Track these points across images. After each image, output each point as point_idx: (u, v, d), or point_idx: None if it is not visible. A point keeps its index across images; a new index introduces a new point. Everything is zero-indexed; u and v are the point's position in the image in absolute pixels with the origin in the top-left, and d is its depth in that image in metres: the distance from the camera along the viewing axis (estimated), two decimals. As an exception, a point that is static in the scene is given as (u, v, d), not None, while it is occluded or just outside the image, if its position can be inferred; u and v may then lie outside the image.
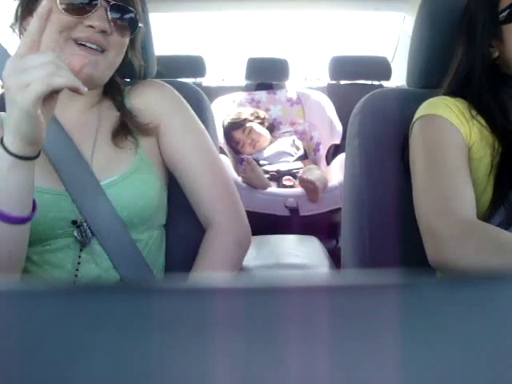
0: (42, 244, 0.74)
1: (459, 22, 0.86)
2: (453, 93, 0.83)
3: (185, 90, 0.91)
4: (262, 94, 2.61)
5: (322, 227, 1.90)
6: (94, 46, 0.72)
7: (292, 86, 2.71)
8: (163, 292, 0.18)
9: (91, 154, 0.77)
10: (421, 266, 0.88)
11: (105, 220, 0.74)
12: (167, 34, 2.90)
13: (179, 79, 1.11)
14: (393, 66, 2.74)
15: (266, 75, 2.71)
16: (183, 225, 0.88)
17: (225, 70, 3.23)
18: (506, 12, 0.78)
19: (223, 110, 2.41)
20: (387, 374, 0.15)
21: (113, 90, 0.83)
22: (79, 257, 0.75)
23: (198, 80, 2.79)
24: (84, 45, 0.72)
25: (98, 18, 0.71)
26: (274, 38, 3.52)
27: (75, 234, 0.74)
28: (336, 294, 0.18)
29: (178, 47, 3.06)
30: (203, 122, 0.89)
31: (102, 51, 0.73)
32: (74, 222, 0.74)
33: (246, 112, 2.39)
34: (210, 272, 0.77)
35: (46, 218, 0.72)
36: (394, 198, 0.88)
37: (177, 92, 0.86)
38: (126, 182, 0.76)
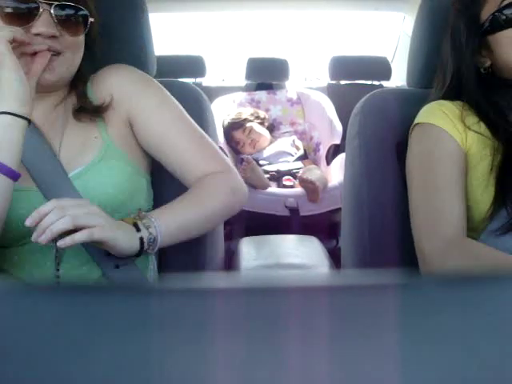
0: (21, 243, 0.74)
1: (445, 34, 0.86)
2: (449, 97, 0.83)
3: (185, 90, 0.91)
4: (262, 94, 2.61)
5: (322, 227, 1.90)
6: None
7: (292, 86, 2.71)
8: (163, 292, 0.18)
9: (59, 148, 0.76)
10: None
11: None
12: (167, 34, 2.91)
13: (179, 79, 1.11)
14: (393, 66, 2.74)
15: (266, 75, 2.71)
16: None
17: (225, 70, 3.23)
18: (488, 23, 0.79)
19: (223, 110, 2.41)
20: (387, 374, 0.15)
21: (78, 84, 0.82)
22: (56, 253, 0.74)
23: (198, 80, 2.79)
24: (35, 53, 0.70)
25: (43, 24, 0.69)
26: (274, 38, 3.52)
27: None
28: (336, 294, 0.18)
29: (178, 47, 3.06)
30: (203, 122, 0.88)
31: (57, 54, 0.72)
32: None
33: (246, 112, 2.39)
34: (199, 199, 0.76)
35: (18, 214, 0.71)
36: (393, 197, 0.88)
37: (142, 73, 0.84)
38: (93, 171, 0.75)
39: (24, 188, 0.73)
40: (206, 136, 0.83)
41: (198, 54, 2.79)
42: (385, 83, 2.75)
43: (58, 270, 0.74)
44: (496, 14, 0.78)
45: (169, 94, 0.84)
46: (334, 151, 2.37)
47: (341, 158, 2.14)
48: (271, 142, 2.37)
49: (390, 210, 0.88)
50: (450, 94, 0.84)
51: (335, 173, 2.13)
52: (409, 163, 0.82)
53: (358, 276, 0.18)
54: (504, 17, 0.78)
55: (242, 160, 2.08)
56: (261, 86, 2.71)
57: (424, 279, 0.19)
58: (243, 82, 2.81)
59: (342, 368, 0.15)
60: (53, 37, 0.70)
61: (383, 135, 0.90)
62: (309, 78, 3.16)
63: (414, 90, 0.96)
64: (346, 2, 2.50)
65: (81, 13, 0.74)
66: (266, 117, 2.46)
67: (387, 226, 0.89)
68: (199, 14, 2.75)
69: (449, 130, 0.79)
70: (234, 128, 2.34)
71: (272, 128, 2.49)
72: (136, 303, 0.17)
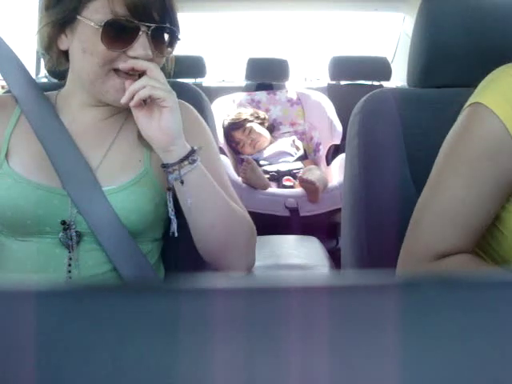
0: (28, 239, 0.74)
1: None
2: None
3: (185, 91, 0.91)
4: (261, 95, 2.61)
5: (322, 227, 1.90)
6: (135, 74, 0.70)
7: (292, 87, 2.71)
8: (163, 292, 0.18)
9: (102, 159, 0.77)
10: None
11: (103, 220, 0.73)
12: (167, 34, 2.90)
13: (179, 79, 1.11)
14: (393, 66, 2.75)
15: (266, 75, 2.71)
16: (183, 239, 0.87)
17: (225, 70, 3.23)
18: None
19: (223, 111, 2.41)
20: (387, 374, 0.15)
21: None
22: (69, 263, 0.73)
23: (198, 80, 2.79)
24: (124, 75, 0.70)
25: (141, 47, 0.68)
26: (274, 38, 3.52)
27: (60, 234, 0.73)
28: (336, 295, 0.18)
29: (178, 47, 3.06)
30: None
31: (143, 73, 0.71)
32: (63, 223, 0.73)
33: (246, 112, 2.39)
34: (226, 201, 0.76)
35: (36, 213, 0.71)
36: (393, 198, 0.88)
37: (198, 114, 0.85)
38: (124, 192, 0.75)
39: (47, 188, 0.73)
40: (234, 191, 0.85)
41: (198, 55, 2.79)
42: (385, 83, 2.75)
43: (69, 271, 0.74)
44: None
45: (211, 135, 0.86)
46: (334, 151, 2.37)
47: (341, 159, 2.14)
48: (271, 143, 2.37)
49: (389, 211, 0.88)
50: None
51: (335, 173, 2.13)
52: (443, 145, 0.67)
53: (357, 276, 0.18)
54: None
55: (242, 160, 2.08)
56: (261, 87, 2.71)
57: (424, 279, 0.19)
58: (243, 83, 2.81)
59: (342, 368, 0.15)
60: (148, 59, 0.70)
61: (383, 135, 0.90)
62: (309, 78, 3.16)
63: (414, 90, 0.96)
64: (346, 3, 2.50)
65: (173, 32, 0.74)
66: (266, 117, 2.46)
67: (387, 227, 0.89)
68: (199, 14, 2.75)
69: (507, 120, 0.60)
70: (234, 128, 2.34)
71: (272, 128, 2.49)
72: (136, 303, 0.17)
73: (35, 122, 0.76)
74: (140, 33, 0.68)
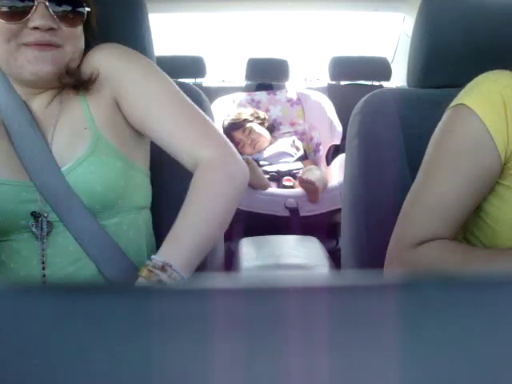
0: (6, 238, 0.73)
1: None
2: None
3: (185, 91, 0.91)
4: (261, 95, 2.61)
5: (322, 228, 1.90)
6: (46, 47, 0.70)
7: (292, 87, 2.71)
8: (163, 292, 0.18)
9: (51, 141, 0.75)
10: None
11: (69, 206, 0.72)
12: (167, 34, 2.91)
13: (179, 80, 1.11)
14: (393, 66, 2.75)
15: (265, 75, 2.71)
16: (172, 209, 0.85)
17: (225, 70, 3.23)
18: None
19: (223, 111, 2.41)
20: (387, 374, 0.15)
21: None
22: (42, 252, 0.72)
23: (198, 80, 2.79)
24: (36, 47, 0.69)
25: (40, 17, 0.68)
26: (274, 38, 3.52)
27: (32, 226, 0.72)
28: (336, 295, 0.18)
29: (178, 47, 3.06)
30: None
31: (58, 47, 0.71)
32: (33, 214, 0.72)
33: (246, 112, 2.39)
34: (201, 206, 0.71)
35: (5, 209, 0.70)
36: (393, 198, 0.88)
37: (130, 49, 0.80)
38: (82, 166, 0.73)
39: (13, 182, 0.72)
40: (200, 111, 0.78)
41: (198, 55, 2.79)
42: (385, 83, 2.75)
43: (43, 268, 0.73)
44: None
45: (159, 69, 0.80)
46: (334, 151, 2.37)
47: (341, 159, 2.14)
48: (271, 143, 2.37)
49: (389, 210, 0.88)
50: None
51: (335, 173, 2.13)
52: (434, 143, 0.71)
53: (358, 276, 0.18)
54: None
55: (242, 160, 2.08)
56: (261, 87, 2.71)
57: (424, 279, 0.19)
58: (243, 83, 2.81)
59: (342, 368, 0.15)
60: (51, 29, 0.70)
61: (383, 135, 0.90)
62: (309, 79, 3.16)
63: (413, 91, 0.96)
64: (346, 3, 2.50)
65: (76, 3, 0.73)
66: (266, 117, 2.46)
67: (387, 227, 0.89)
68: (199, 14, 2.75)
69: (491, 124, 0.64)
70: (234, 128, 2.34)
71: (272, 128, 2.49)
72: (136, 303, 0.17)
73: (5, 114, 0.75)
74: (35, 2, 0.68)
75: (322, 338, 0.16)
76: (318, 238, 1.34)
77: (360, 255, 0.90)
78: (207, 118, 0.78)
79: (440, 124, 0.71)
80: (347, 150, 0.97)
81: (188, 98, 0.79)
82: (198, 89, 0.99)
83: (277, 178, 2.17)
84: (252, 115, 2.39)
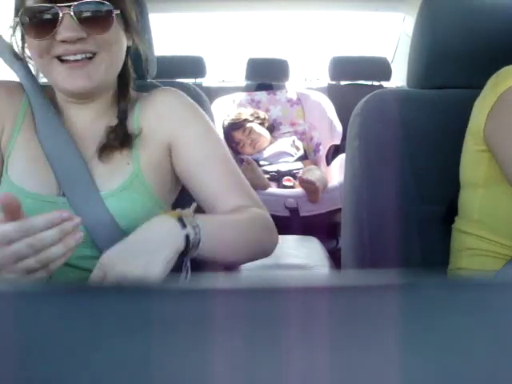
0: None
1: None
2: None
3: (185, 91, 0.91)
4: (261, 95, 2.61)
5: (322, 228, 1.90)
6: (78, 57, 0.68)
7: (292, 87, 2.71)
8: (163, 292, 0.18)
9: (89, 161, 0.75)
10: (421, 267, 0.88)
11: (105, 229, 0.71)
12: (167, 34, 2.91)
13: (179, 80, 1.11)
14: (393, 66, 2.75)
15: (266, 76, 2.71)
16: None
17: (225, 70, 3.23)
18: None
19: (223, 111, 2.40)
20: (387, 374, 0.15)
21: (121, 95, 0.80)
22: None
23: (198, 80, 2.79)
24: (68, 60, 0.68)
25: (66, 29, 0.66)
26: (274, 38, 3.52)
27: None
28: (336, 295, 0.18)
29: (178, 47, 3.06)
30: None
31: (91, 57, 0.69)
32: None
33: (246, 112, 2.39)
34: (237, 229, 0.72)
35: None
36: (393, 198, 0.88)
37: (189, 99, 0.82)
38: (113, 199, 0.73)
39: (51, 199, 0.71)
40: (241, 174, 0.82)
41: (198, 55, 2.79)
42: (385, 84, 2.75)
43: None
44: None
45: (211, 122, 0.83)
46: (334, 152, 2.37)
47: (341, 159, 2.14)
48: (271, 143, 2.37)
49: (389, 211, 0.88)
50: None
51: (335, 173, 2.13)
52: (501, 133, 0.75)
53: (358, 276, 0.18)
54: None
55: (242, 160, 2.08)
56: (261, 87, 2.71)
57: (424, 279, 0.19)
58: (243, 83, 2.81)
59: (343, 368, 0.15)
60: (81, 39, 0.68)
61: (383, 136, 0.90)
62: (309, 79, 3.16)
63: (414, 91, 0.96)
64: (346, 3, 2.50)
65: (103, 6, 0.69)
66: (266, 117, 2.46)
67: (387, 227, 0.89)
68: (199, 14, 2.75)
69: None
70: (234, 128, 2.34)
71: (272, 128, 2.49)
72: (136, 303, 0.17)
73: (40, 121, 0.74)
74: (60, 15, 0.66)
75: (322, 337, 0.16)
76: (318, 238, 1.34)
77: (360, 255, 0.90)
78: (243, 176, 0.82)
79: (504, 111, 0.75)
80: (347, 150, 0.97)
81: (230, 155, 0.82)
82: (198, 89, 0.99)
83: (277, 177, 2.17)
84: (252, 115, 2.39)
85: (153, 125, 0.78)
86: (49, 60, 0.69)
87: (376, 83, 2.75)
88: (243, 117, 2.35)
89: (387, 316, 0.17)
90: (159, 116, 0.78)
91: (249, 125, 2.33)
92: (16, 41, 0.74)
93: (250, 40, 3.50)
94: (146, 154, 0.77)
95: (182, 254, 0.64)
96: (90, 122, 0.78)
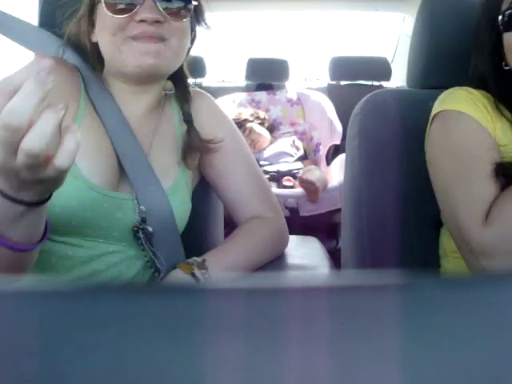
0: (68, 240, 0.71)
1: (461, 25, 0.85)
2: (476, 86, 0.79)
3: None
4: (261, 95, 2.61)
5: (322, 228, 1.90)
6: (152, 39, 0.70)
7: (292, 87, 2.71)
8: (163, 292, 0.18)
9: (148, 156, 0.76)
10: (420, 267, 0.88)
11: (166, 223, 0.74)
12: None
13: (179, 79, 1.10)
14: (393, 66, 2.75)
15: (266, 76, 2.71)
16: (196, 238, 0.88)
17: (225, 70, 3.23)
18: (500, 22, 0.74)
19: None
20: (387, 374, 0.15)
21: (178, 91, 0.82)
22: (151, 265, 0.74)
23: (198, 80, 2.79)
24: (142, 40, 0.69)
25: (148, 10, 0.68)
26: (275, 38, 3.52)
27: (140, 236, 0.72)
28: (336, 295, 0.18)
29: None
30: None
31: (163, 40, 0.71)
32: (136, 228, 0.72)
33: (246, 112, 2.39)
34: (250, 244, 0.77)
35: (83, 216, 0.69)
36: (393, 198, 0.88)
37: (214, 101, 0.87)
38: (175, 194, 0.76)
39: (103, 191, 0.71)
40: (263, 176, 0.86)
41: (198, 55, 2.79)
42: (385, 83, 2.75)
43: (156, 272, 0.74)
44: (507, 12, 0.73)
45: (239, 130, 0.88)
46: (334, 151, 2.37)
47: (341, 159, 2.14)
48: (271, 143, 2.37)
49: (389, 210, 0.88)
50: (475, 84, 0.80)
51: (335, 173, 2.13)
52: (433, 153, 0.79)
53: (358, 276, 0.18)
54: (506, 18, 0.74)
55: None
56: (261, 87, 2.71)
57: (424, 279, 0.19)
58: (243, 83, 2.81)
59: (343, 368, 0.15)
60: (157, 22, 0.69)
61: (383, 135, 0.90)
62: (309, 79, 3.16)
63: (413, 91, 0.96)
64: (346, 3, 2.50)
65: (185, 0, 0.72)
66: (266, 117, 2.46)
67: (387, 227, 0.89)
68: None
69: (479, 118, 0.74)
70: (234, 128, 2.34)
71: (272, 128, 2.49)
72: (136, 303, 0.17)
73: (103, 109, 0.74)
74: None
75: (322, 337, 0.16)
76: (318, 238, 1.34)
77: (360, 255, 0.90)
78: (267, 182, 0.88)
79: (434, 133, 0.79)
80: (347, 150, 0.97)
81: (256, 162, 0.88)
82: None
83: (277, 177, 2.17)
84: (252, 115, 2.39)
85: (218, 137, 0.81)
86: (122, 39, 0.69)
87: (376, 83, 2.75)
88: (243, 117, 2.35)
89: (387, 316, 0.17)
90: (201, 118, 0.82)
91: (249, 125, 2.33)
92: (82, 23, 0.74)
93: (250, 40, 3.50)
94: (190, 160, 0.79)
95: None
96: (141, 116, 0.78)
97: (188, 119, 0.80)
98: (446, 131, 0.77)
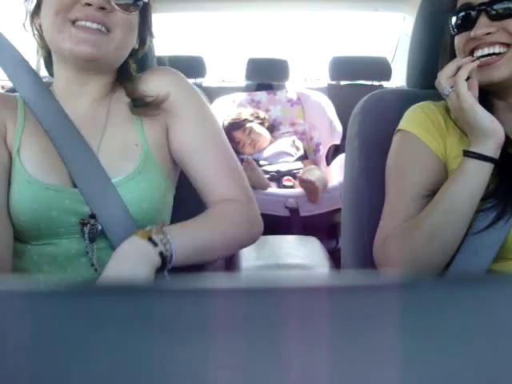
0: (44, 242, 0.73)
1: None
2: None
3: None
4: (262, 95, 2.61)
5: (322, 228, 1.90)
6: (94, 26, 0.68)
7: (292, 87, 2.71)
8: (163, 292, 0.18)
9: (97, 149, 0.75)
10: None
11: (117, 217, 0.72)
12: (167, 34, 2.91)
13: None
14: (393, 66, 2.75)
15: (266, 76, 2.71)
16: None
17: (225, 70, 3.23)
18: (457, 20, 0.77)
19: (223, 111, 2.40)
20: (387, 374, 0.15)
21: (124, 79, 0.80)
22: (92, 262, 0.73)
23: (198, 80, 2.79)
24: (83, 26, 0.68)
25: None
26: (275, 38, 3.52)
27: (78, 232, 0.72)
28: (336, 295, 0.18)
29: (178, 47, 3.06)
30: None
31: (107, 32, 0.70)
32: (82, 222, 0.72)
33: (246, 112, 2.39)
34: (214, 223, 0.74)
35: (49, 215, 0.70)
36: (393, 198, 0.88)
37: (189, 82, 0.83)
38: (132, 182, 0.73)
39: (58, 187, 0.71)
40: (236, 160, 0.82)
41: (198, 55, 2.79)
42: (385, 83, 2.75)
43: (95, 270, 0.73)
44: (450, 19, 0.77)
45: (211, 110, 0.83)
46: (334, 151, 2.37)
47: (341, 159, 2.14)
48: (271, 143, 2.37)
49: (389, 211, 0.88)
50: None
51: (335, 173, 2.13)
52: (388, 164, 0.83)
53: (358, 276, 0.18)
54: (456, 21, 0.76)
55: (242, 160, 2.08)
56: (261, 87, 2.71)
57: (424, 279, 0.19)
58: (243, 83, 2.81)
59: (342, 368, 0.15)
60: (103, 9, 0.68)
61: (383, 135, 0.90)
62: (309, 79, 3.16)
63: (413, 91, 0.96)
64: (346, 3, 2.50)
65: None
66: (266, 117, 2.46)
67: (387, 227, 0.89)
68: (199, 14, 2.75)
69: (427, 140, 0.79)
70: (234, 128, 2.34)
71: (272, 128, 2.49)
72: (136, 303, 0.17)
73: (43, 118, 0.75)
74: None
75: (321, 337, 0.16)
76: (318, 238, 1.34)
77: (360, 255, 0.90)
78: (240, 166, 0.82)
79: (391, 148, 0.85)
80: (347, 150, 0.97)
81: (229, 144, 0.83)
82: (198, 89, 0.99)
83: (277, 177, 2.17)
84: (252, 115, 2.39)
85: (161, 96, 0.78)
86: (63, 21, 0.68)
87: (376, 83, 2.75)
88: (243, 117, 2.35)
89: (387, 316, 0.17)
90: (159, 91, 0.78)
91: (249, 125, 2.33)
92: (28, 5, 0.74)
93: (250, 40, 3.50)
94: (151, 134, 0.78)
95: (159, 269, 0.67)
96: (89, 107, 0.77)
97: (131, 92, 0.78)
98: (397, 149, 0.82)
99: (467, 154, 0.71)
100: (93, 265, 0.73)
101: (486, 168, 0.70)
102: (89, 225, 0.72)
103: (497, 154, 0.70)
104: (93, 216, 0.72)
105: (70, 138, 0.73)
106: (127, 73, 0.80)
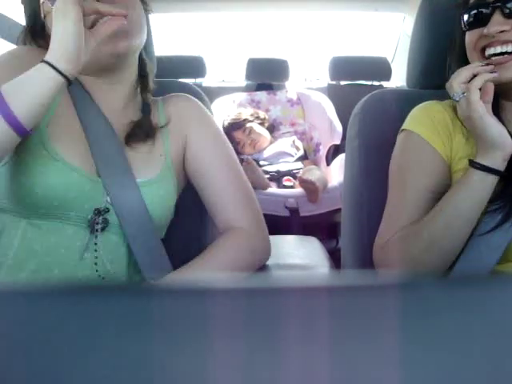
0: (44, 220, 0.71)
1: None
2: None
3: (185, 91, 0.91)
4: (262, 95, 2.61)
5: (322, 228, 1.90)
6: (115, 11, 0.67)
7: (292, 87, 2.71)
8: (163, 292, 0.18)
9: (125, 148, 0.77)
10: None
11: (135, 210, 0.73)
12: (167, 34, 2.91)
13: (179, 80, 1.11)
14: (393, 66, 2.75)
15: (266, 76, 2.71)
16: (183, 238, 0.89)
17: (225, 70, 3.23)
18: (469, 17, 0.75)
19: (223, 111, 2.40)
20: (387, 374, 0.15)
21: (142, 86, 0.83)
22: (95, 248, 0.72)
23: (198, 80, 2.79)
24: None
25: None
26: (274, 38, 3.52)
27: (88, 219, 0.72)
28: (336, 295, 0.18)
29: (178, 47, 3.06)
30: None
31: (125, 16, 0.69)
32: (97, 211, 0.72)
33: (246, 112, 2.39)
34: (211, 268, 0.75)
35: (66, 196, 0.69)
36: (393, 198, 0.88)
37: (205, 108, 0.88)
38: (152, 187, 0.76)
39: (82, 172, 0.71)
40: (247, 182, 0.85)
41: (198, 55, 2.79)
42: (385, 83, 2.75)
43: (96, 257, 0.72)
44: (462, 15, 0.76)
45: (226, 137, 0.88)
46: (334, 152, 2.37)
47: (341, 159, 2.14)
48: (271, 143, 2.37)
49: (389, 211, 0.88)
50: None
51: (335, 173, 2.13)
52: (391, 164, 0.83)
53: (358, 276, 0.18)
54: (469, 17, 0.75)
55: (242, 160, 2.08)
56: (261, 87, 2.71)
57: (424, 279, 0.19)
58: (243, 83, 2.81)
59: (342, 368, 0.15)
60: None
61: (383, 135, 0.90)
62: (309, 79, 3.16)
63: (413, 91, 0.96)
64: (346, 3, 2.50)
65: None
66: (266, 117, 2.46)
67: (387, 227, 0.89)
68: (199, 14, 2.75)
69: (432, 141, 0.78)
70: (234, 128, 2.34)
71: (272, 128, 2.49)
72: (136, 303, 0.17)
73: (78, 101, 0.75)
74: None
75: (321, 337, 0.16)
76: (318, 238, 1.34)
77: (360, 255, 0.90)
78: (252, 190, 0.85)
79: (395, 148, 0.84)
80: (347, 150, 0.97)
81: (241, 168, 0.86)
82: (198, 89, 0.99)
83: (277, 178, 2.17)
84: (252, 115, 2.39)
85: (176, 122, 0.83)
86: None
87: (376, 83, 2.75)
88: (243, 117, 2.35)
89: (387, 316, 0.17)
90: (180, 115, 0.84)
91: (249, 125, 2.33)
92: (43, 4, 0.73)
93: (250, 40, 3.50)
94: (173, 150, 0.81)
95: None
96: (118, 109, 0.79)
97: (145, 109, 0.81)
98: (401, 149, 0.82)
99: (473, 164, 0.70)
100: (96, 262, 0.72)
101: (491, 180, 0.69)
102: (101, 216, 0.72)
103: (503, 166, 0.69)
104: (106, 210, 0.73)
105: (101, 126, 0.75)
106: (144, 71, 0.83)
